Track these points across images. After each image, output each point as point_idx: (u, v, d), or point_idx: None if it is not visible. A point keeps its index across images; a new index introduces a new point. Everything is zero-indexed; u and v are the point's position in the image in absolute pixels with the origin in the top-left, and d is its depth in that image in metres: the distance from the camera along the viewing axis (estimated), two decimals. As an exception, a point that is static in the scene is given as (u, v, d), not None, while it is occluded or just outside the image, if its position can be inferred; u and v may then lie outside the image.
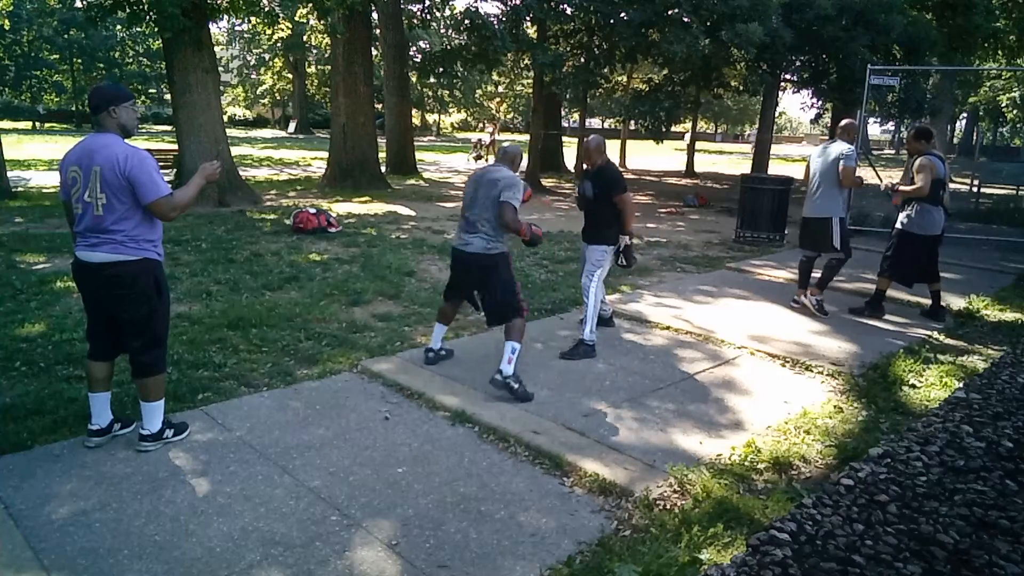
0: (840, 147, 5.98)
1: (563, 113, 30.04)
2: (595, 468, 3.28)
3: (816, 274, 6.40)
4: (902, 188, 6.05)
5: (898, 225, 6.18)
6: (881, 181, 6.46)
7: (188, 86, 11.30)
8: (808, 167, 6.29)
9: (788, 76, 18.45)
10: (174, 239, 8.22)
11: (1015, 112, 37.70)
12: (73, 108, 45.65)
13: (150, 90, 47.62)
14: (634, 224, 5.14)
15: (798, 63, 17.14)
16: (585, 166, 5.22)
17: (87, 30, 39.07)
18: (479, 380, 4.36)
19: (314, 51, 44.26)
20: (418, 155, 21.61)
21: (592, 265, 5.04)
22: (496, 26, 14.53)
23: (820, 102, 18.75)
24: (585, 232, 5.18)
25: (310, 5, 14.56)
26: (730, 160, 37.25)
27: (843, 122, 6.32)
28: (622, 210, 4.95)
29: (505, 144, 4.67)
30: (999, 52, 24.76)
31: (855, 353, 5.16)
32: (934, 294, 6.28)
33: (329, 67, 21.71)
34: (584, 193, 4.98)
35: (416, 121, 48.01)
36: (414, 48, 34.45)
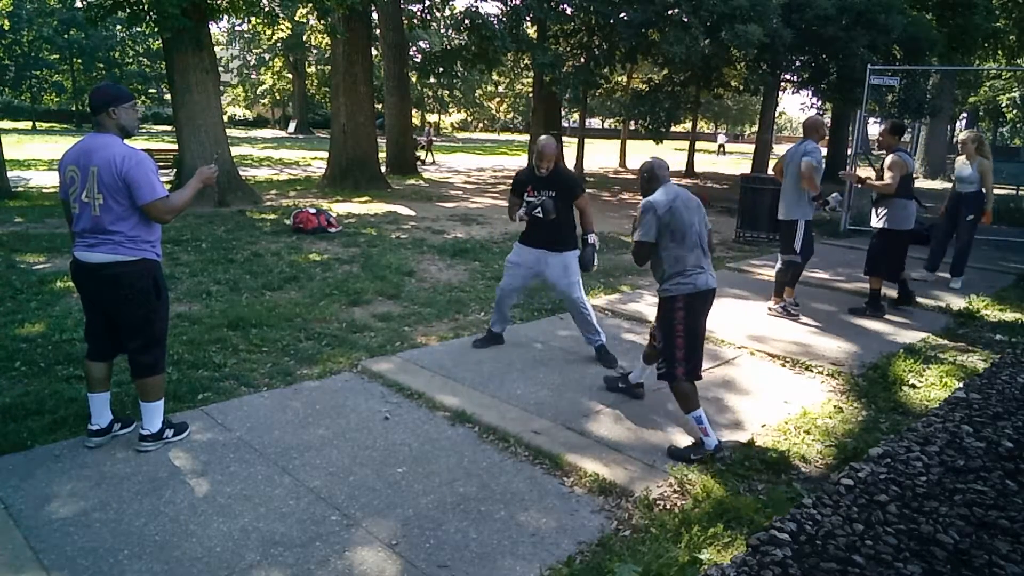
0: (805, 146, 5.93)
1: (563, 113, 30.05)
2: (595, 468, 3.28)
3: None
4: (871, 183, 6.09)
5: (882, 224, 6.16)
6: (875, 175, 6.49)
7: (188, 86, 11.30)
8: (778, 164, 6.31)
9: (788, 76, 18.46)
10: (174, 239, 8.22)
11: (1015, 112, 37.69)
12: (73, 108, 45.68)
13: (150, 90, 47.67)
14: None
15: (798, 63, 17.16)
16: (540, 170, 4.57)
17: (87, 30, 39.13)
18: (479, 380, 4.37)
19: (314, 51, 44.29)
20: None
21: (574, 274, 4.68)
22: (496, 26, 14.55)
23: (820, 102, 18.77)
24: (546, 240, 4.67)
25: (310, 5, 14.56)
26: (730, 160, 37.26)
27: (807, 120, 6.24)
28: (584, 211, 4.67)
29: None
30: (999, 52, 24.78)
31: (855, 353, 5.16)
32: (902, 283, 6.44)
33: (329, 67, 21.74)
34: (545, 207, 4.51)
35: (416, 121, 48.01)
36: (414, 48, 34.48)
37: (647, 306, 6.33)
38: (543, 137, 4.68)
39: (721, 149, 43.21)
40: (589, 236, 4.58)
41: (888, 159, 6.02)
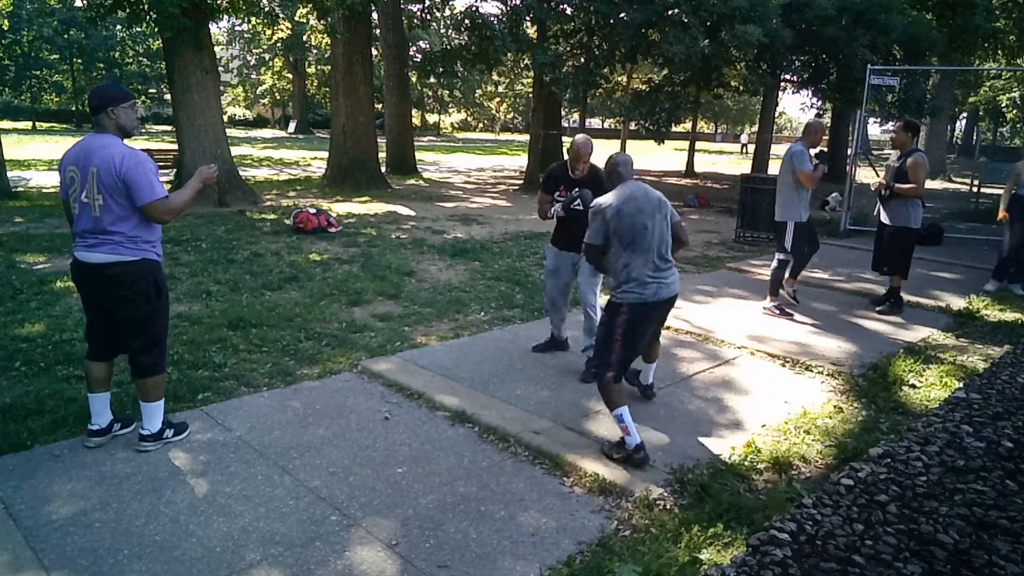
0: (792, 148, 6.04)
1: (563, 113, 30.08)
2: (595, 468, 3.28)
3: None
4: (899, 187, 6.07)
5: (899, 223, 6.19)
6: (878, 177, 6.47)
7: (188, 86, 11.30)
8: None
9: (788, 76, 18.46)
10: (174, 239, 8.22)
11: (1015, 112, 37.69)
12: (73, 108, 45.67)
13: (150, 90, 47.66)
14: None
15: (798, 63, 17.15)
16: (575, 172, 4.48)
17: (87, 30, 39.15)
18: (479, 380, 4.37)
19: (314, 51, 44.29)
20: (418, 155, 21.62)
21: (596, 275, 4.52)
22: (496, 26, 14.54)
23: (820, 102, 18.76)
24: (579, 243, 4.17)
25: (310, 5, 14.56)
26: (730, 160, 37.27)
27: (807, 123, 6.41)
28: None
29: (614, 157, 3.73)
30: (999, 52, 24.78)
31: (855, 353, 5.16)
32: (894, 289, 6.45)
33: (329, 67, 21.77)
34: (585, 199, 4.25)
35: (416, 121, 48.02)
36: (414, 48, 34.49)
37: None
38: (580, 136, 4.50)
39: (744, 149, 43.56)
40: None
41: (912, 159, 6.04)
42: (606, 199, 3.55)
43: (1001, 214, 7.52)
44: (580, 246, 4.29)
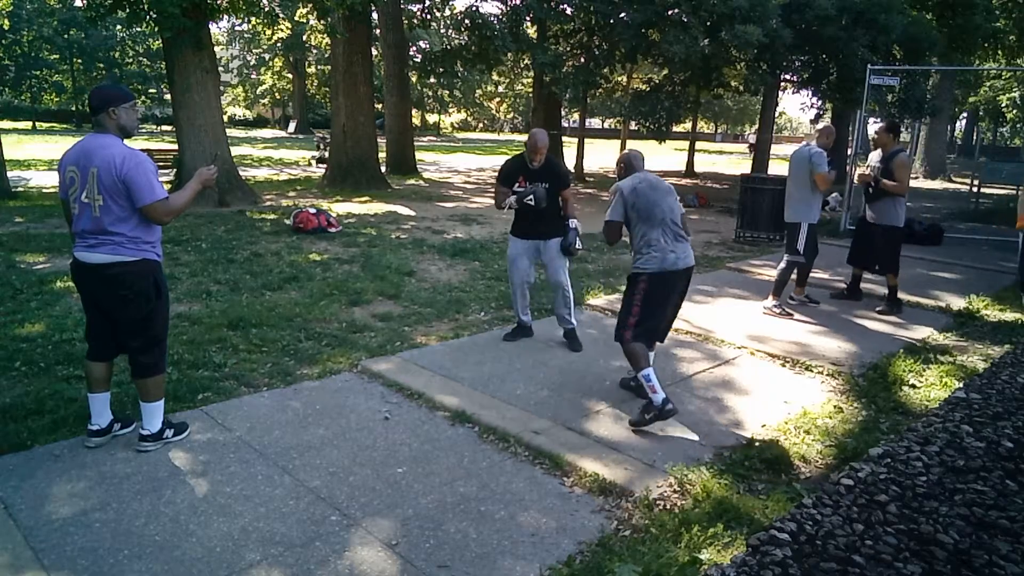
0: (810, 151, 6.07)
1: (563, 113, 30.06)
2: (595, 468, 3.28)
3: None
4: (886, 183, 6.11)
5: (896, 223, 6.24)
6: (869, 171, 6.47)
7: (188, 86, 11.30)
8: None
9: (788, 76, 18.46)
10: (174, 239, 8.22)
11: (1015, 112, 37.71)
12: (73, 108, 45.69)
13: (150, 90, 47.68)
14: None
15: (798, 63, 17.16)
16: (533, 163, 4.75)
17: (87, 30, 39.18)
18: (479, 380, 4.37)
19: (314, 51, 44.32)
20: (418, 155, 21.62)
21: (562, 260, 4.91)
22: (496, 26, 14.56)
23: (820, 102, 18.76)
24: (538, 231, 4.89)
25: (310, 5, 14.57)
26: (730, 160, 37.28)
27: (820, 125, 6.53)
28: (568, 200, 4.85)
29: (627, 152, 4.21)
30: (999, 52, 24.80)
31: (855, 353, 5.16)
32: (892, 289, 6.44)
33: (329, 67, 21.78)
34: (538, 196, 4.63)
35: (416, 121, 48.01)
36: (414, 48, 34.51)
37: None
38: (535, 130, 4.84)
39: (751, 149, 43.61)
40: (570, 221, 4.81)
41: (898, 159, 6.11)
42: (624, 182, 3.96)
43: (1021, 222, 7.19)
44: (539, 234, 4.86)
